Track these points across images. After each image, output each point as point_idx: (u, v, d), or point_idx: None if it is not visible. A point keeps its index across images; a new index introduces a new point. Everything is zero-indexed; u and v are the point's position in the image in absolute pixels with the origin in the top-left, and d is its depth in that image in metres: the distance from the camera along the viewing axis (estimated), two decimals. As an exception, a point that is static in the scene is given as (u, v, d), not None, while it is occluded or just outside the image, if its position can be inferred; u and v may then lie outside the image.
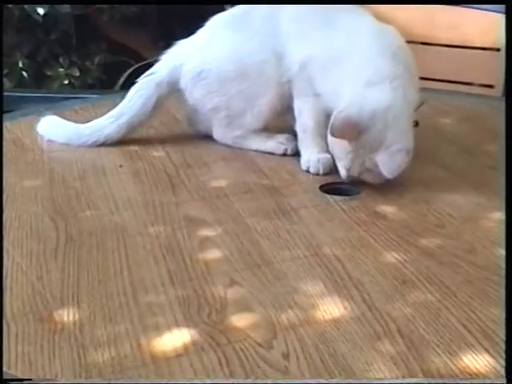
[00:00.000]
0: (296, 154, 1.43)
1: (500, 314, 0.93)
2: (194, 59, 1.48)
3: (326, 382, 0.81)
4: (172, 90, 1.51)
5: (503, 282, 1.01)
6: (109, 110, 1.54)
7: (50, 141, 1.50)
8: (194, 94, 1.49)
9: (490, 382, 0.84)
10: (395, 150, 1.27)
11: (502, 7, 2.20)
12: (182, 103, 1.52)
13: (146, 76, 1.51)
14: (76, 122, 1.57)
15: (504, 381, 0.83)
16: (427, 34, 2.35)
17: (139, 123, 1.50)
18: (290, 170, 1.40)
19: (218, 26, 1.51)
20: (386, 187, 1.31)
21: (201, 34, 1.52)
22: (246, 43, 1.45)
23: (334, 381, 0.81)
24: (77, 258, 1.06)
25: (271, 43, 1.42)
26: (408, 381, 0.83)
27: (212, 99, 1.47)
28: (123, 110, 1.49)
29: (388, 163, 1.28)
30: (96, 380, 0.82)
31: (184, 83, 1.50)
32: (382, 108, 1.28)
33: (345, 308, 0.95)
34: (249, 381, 0.82)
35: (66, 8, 3.41)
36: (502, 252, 1.09)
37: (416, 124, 1.37)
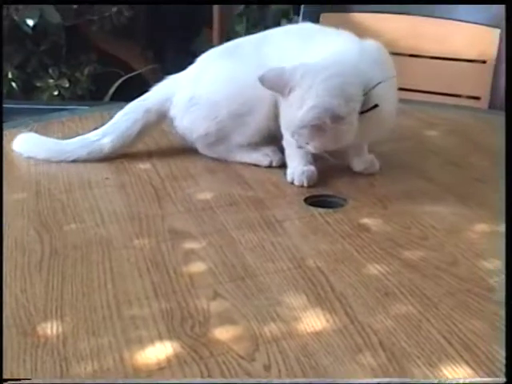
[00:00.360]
0: (281, 166, 1.44)
1: (481, 325, 0.94)
2: (186, 89, 1.50)
3: (303, 381, 0.82)
4: (160, 119, 1.52)
5: (485, 293, 1.02)
6: (95, 123, 1.55)
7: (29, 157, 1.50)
8: (184, 122, 1.50)
9: (490, 381, 0.85)
10: (311, 106, 1.26)
11: (489, 20, 2.22)
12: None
13: (137, 101, 1.52)
14: (63, 133, 1.58)
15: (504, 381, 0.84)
16: (415, 46, 2.36)
17: (122, 145, 1.50)
18: (275, 182, 1.40)
19: (210, 58, 1.53)
20: (371, 200, 1.32)
21: (193, 67, 1.54)
22: (239, 67, 1.46)
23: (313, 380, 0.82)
24: (61, 270, 1.06)
25: (264, 64, 1.41)
26: (397, 381, 0.84)
27: (202, 125, 1.47)
28: (108, 130, 1.50)
29: (301, 115, 1.27)
30: (96, 380, 0.83)
31: (174, 112, 1.50)
32: (317, 67, 1.30)
33: (327, 321, 0.95)
34: (237, 380, 0.82)
35: (56, 19, 3.43)
36: (485, 264, 1.10)
37: (375, 106, 1.33)
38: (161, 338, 0.91)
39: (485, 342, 0.91)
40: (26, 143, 1.53)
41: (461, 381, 0.84)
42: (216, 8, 2.80)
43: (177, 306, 0.98)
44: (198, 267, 1.09)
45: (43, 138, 1.53)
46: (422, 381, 0.85)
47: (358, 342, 0.91)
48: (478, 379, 0.85)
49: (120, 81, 3.81)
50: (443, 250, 1.15)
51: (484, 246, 1.17)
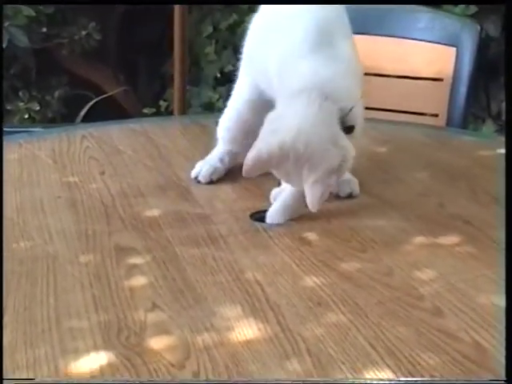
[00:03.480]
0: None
1: (407, 332, 0.98)
2: None
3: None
4: None
5: (414, 301, 1.06)
6: (52, 144, 1.59)
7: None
8: None
9: (490, 381, 0.88)
10: (312, 183, 1.22)
11: (445, 38, 2.27)
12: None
13: None
14: (19, 155, 1.62)
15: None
16: (374, 65, 2.41)
17: None
18: (224, 199, 1.44)
19: None
20: (315, 214, 1.35)
21: None
22: None
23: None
24: (5, 286, 1.09)
25: None
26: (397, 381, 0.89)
27: None
28: None
29: (308, 197, 1.23)
30: (98, 380, 0.88)
31: None
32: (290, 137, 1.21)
33: (259, 330, 0.99)
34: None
35: (24, 43, 3.46)
36: (419, 274, 1.15)
37: (351, 129, 1.31)
38: (96, 348, 0.95)
39: (408, 347, 0.95)
40: None
41: (462, 380, 0.89)
42: (177, 31, 2.81)
43: (115, 317, 1.01)
44: (139, 281, 1.12)
45: None
46: (426, 380, 0.89)
47: (286, 349, 0.95)
48: (479, 379, 0.89)
49: (91, 103, 3.85)
50: (380, 261, 1.19)
51: (420, 257, 1.21)
